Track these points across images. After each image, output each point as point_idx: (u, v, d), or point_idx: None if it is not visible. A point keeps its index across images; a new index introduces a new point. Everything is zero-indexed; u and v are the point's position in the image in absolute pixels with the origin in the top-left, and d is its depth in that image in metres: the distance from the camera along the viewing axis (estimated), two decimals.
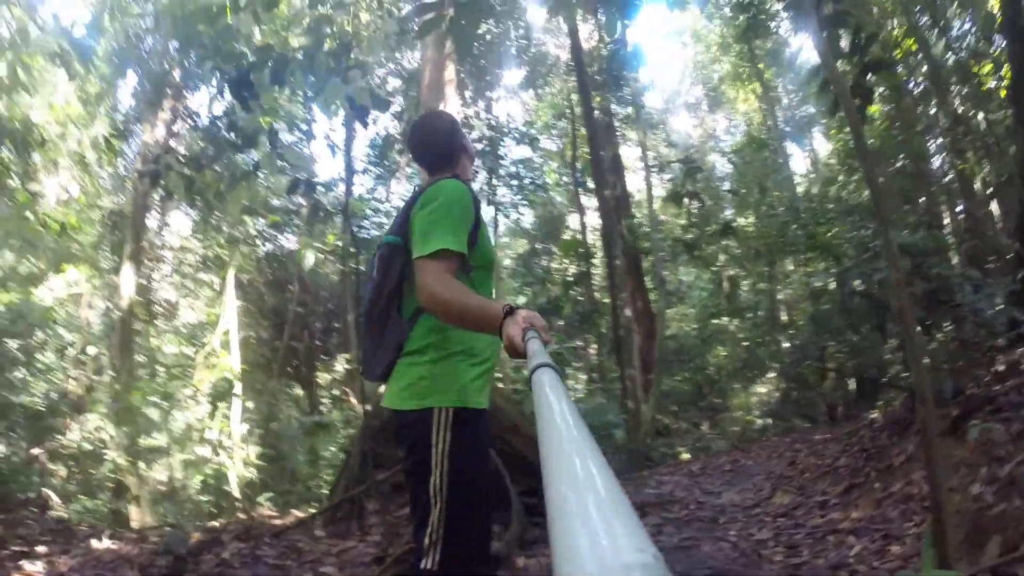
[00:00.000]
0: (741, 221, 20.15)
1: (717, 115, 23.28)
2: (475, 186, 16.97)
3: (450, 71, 6.95)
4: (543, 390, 0.91)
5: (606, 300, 14.84)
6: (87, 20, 8.33)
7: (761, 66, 18.97)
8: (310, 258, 10.22)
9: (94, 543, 5.34)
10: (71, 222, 10.44)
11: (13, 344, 10.14)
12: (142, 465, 9.96)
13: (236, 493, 10.01)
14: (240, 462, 10.39)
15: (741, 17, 15.55)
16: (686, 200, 12.86)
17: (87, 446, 9.70)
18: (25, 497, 7.84)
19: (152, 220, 16.81)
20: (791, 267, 17.37)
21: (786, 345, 14.64)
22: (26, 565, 4.62)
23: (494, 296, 2.33)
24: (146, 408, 10.50)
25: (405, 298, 2.12)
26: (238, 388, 11.01)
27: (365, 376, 2.27)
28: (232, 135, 4.80)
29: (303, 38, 4.80)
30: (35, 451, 8.79)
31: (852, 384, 12.17)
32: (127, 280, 11.41)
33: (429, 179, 2.26)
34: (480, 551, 2.06)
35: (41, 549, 5.09)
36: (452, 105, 6.59)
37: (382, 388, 3.19)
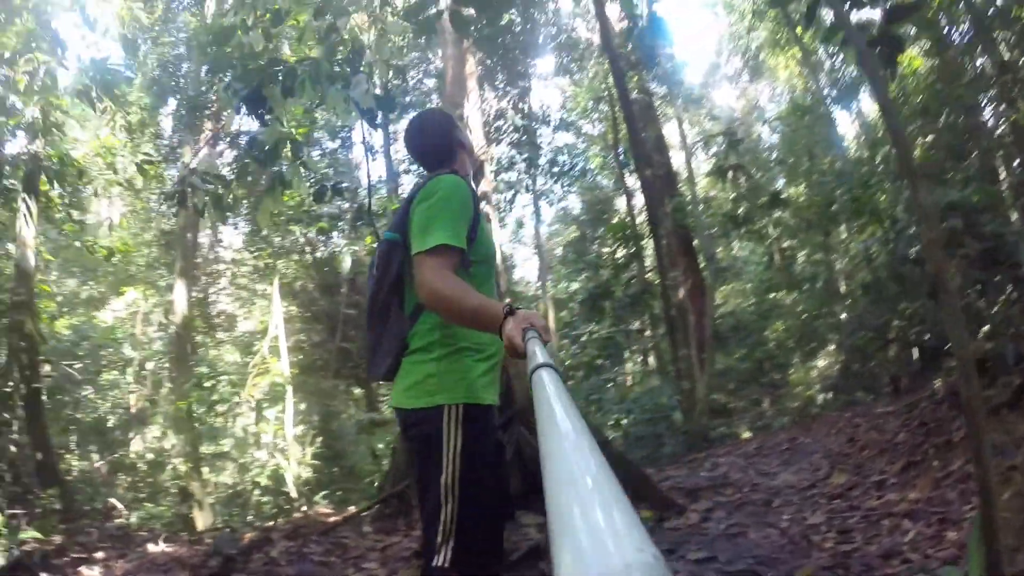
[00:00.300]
0: (792, 192, 19.70)
1: (759, 85, 22.62)
2: (513, 175, 17.10)
3: (470, 64, 6.91)
4: (543, 390, 0.91)
5: (659, 281, 14.64)
6: (118, 55, 8.53)
7: (799, 30, 18.29)
8: (347, 261, 10.34)
9: (150, 547, 5.53)
10: (118, 247, 10.80)
11: (78, 365, 10.70)
12: (204, 470, 10.30)
13: (293, 493, 10.27)
14: (295, 462, 10.64)
15: None
16: (730, 174, 12.56)
17: (149, 455, 10.11)
18: (89, 507, 8.18)
19: (204, 236, 17.38)
20: (845, 235, 16.83)
21: (844, 316, 14.23)
22: (84, 570, 4.80)
23: (496, 290, 2.31)
24: (203, 416, 10.84)
25: (407, 294, 2.11)
26: (289, 392, 11.26)
27: (370, 374, 2.25)
28: (255, 151, 4.87)
29: (316, 49, 4.81)
30: (97, 464, 9.21)
31: (916, 353, 11.74)
32: (180, 296, 11.78)
33: (428, 175, 2.24)
34: (492, 547, 2.04)
35: (99, 555, 5.28)
36: (474, 98, 6.56)
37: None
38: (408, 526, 4.98)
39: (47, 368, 9.74)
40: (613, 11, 17.21)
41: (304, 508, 8.25)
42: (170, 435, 10.31)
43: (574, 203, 22.05)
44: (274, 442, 11.01)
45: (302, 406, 12.28)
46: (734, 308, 20.91)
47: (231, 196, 5.32)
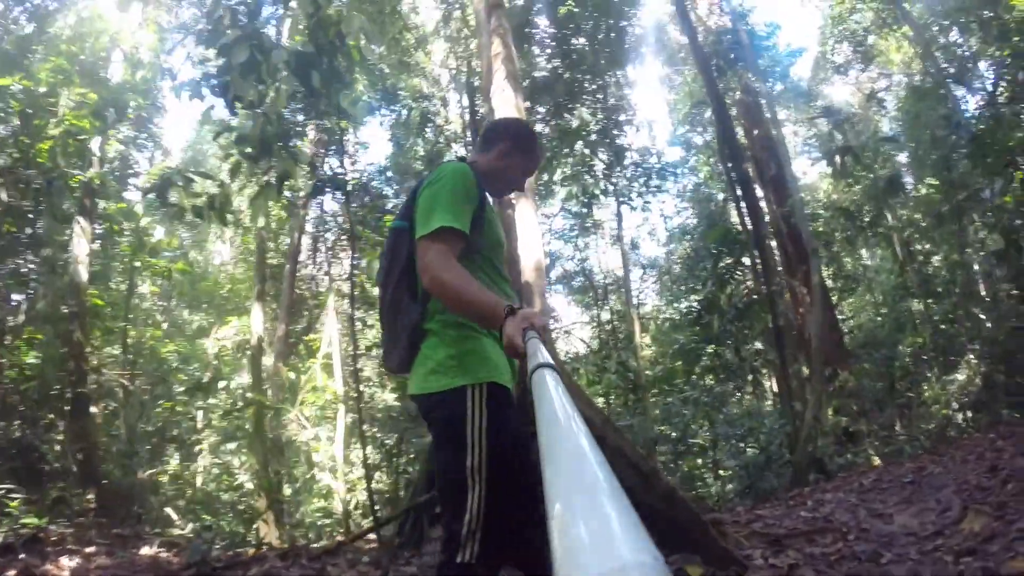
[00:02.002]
0: (918, 187, 17.90)
1: (872, 73, 20.74)
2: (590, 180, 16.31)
3: (500, 57, 6.35)
4: (543, 390, 0.92)
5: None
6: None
7: (907, 5, 16.60)
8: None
9: (144, 550, 5.56)
10: (179, 267, 11.22)
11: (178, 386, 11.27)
12: (270, 489, 10.25)
13: (341, 513, 10.09)
14: (343, 483, 10.39)
15: None
16: (838, 159, 11.25)
17: (215, 470, 10.26)
18: (141, 512, 8.42)
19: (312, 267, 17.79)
20: (982, 228, 14.95)
21: (986, 322, 12.46)
22: (63, 560, 4.80)
23: (509, 281, 2.28)
24: (266, 434, 10.86)
25: (418, 281, 2.04)
26: (341, 410, 11.10)
27: (386, 366, 2.25)
28: (243, 146, 4.54)
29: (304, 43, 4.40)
30: (145, 474, 9.42)
31: None
32: (256, 319, 12.05)
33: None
34: (520, 544, 1.88)
35: (89, 549, 5.30)
36: (509, 97, 5.98)
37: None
38: (413, 552, 4.42)
39: (136, 383, 10.27)
40: (703, 8, 16.36)
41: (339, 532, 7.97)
42: (243, 452, 10.44)
43: (691, 220, 21.16)
44: (326, 462, 10.87)
45: (383, 435, 12.05)
46: (864, 322, 19.36)
47: (224, 197, 5.01)
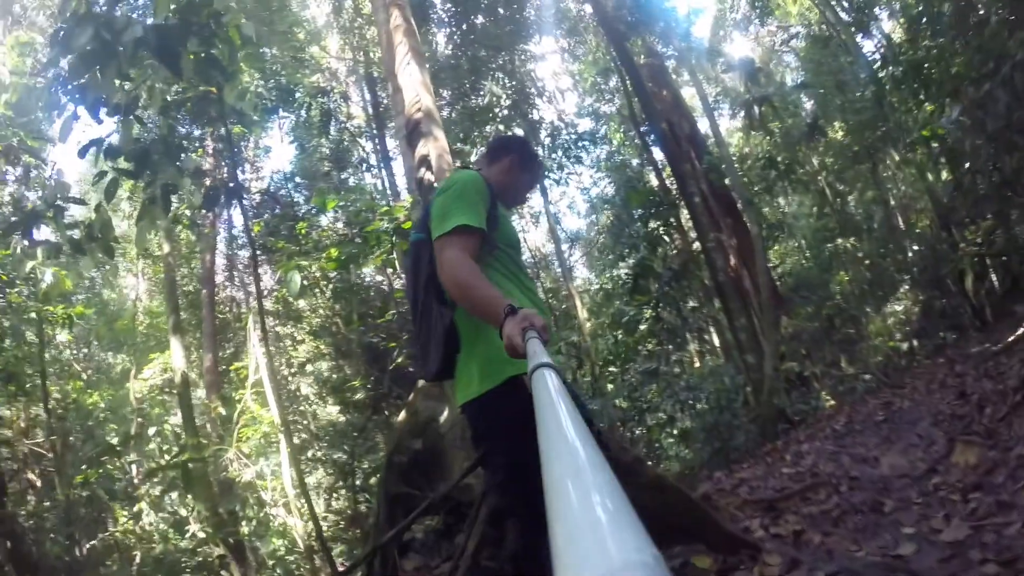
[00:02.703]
0: (829, 132, 18.23)
1: (771, 28, 21.01)
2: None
3: (400, 31, 5.86)
4: (543, 390, 0.92)
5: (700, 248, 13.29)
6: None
7: None
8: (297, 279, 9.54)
9: None
10: (77, 311, 10.30)
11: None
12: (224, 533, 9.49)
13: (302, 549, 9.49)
14: (298, 518, 9.80)
15: None
16: (756, 109, 11.21)
17: (162, 525, 9.49)
18: None
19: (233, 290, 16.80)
20: (893, 165, 15.33)
21: (914, 251, 12.75)
22: None
23: (528, 277, 2.30)
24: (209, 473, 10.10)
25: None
26: (283, 441, 10.51)
27: (425, 377, 2.26)
28: (113, 159, 3.91)
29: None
30: (87, 545, 8.55)
31: (995, 280, 10.25)
32: (176, 353, 11.25)
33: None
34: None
35: None
36: (414, 72, 5.51)
37: None
38: None
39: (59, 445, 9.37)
40: None
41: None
42: (185, 502, 9.66)
43: (608, 189, 21.09)
44: (274, 498, 10.21)
45: (333, 453, 11.41)
46: (792, 267, 19.72)
47: (103, 224, 4.35)
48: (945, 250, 10.91)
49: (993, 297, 10.09)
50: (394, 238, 6.05)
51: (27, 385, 9.64)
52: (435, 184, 5.22)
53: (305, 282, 12.19)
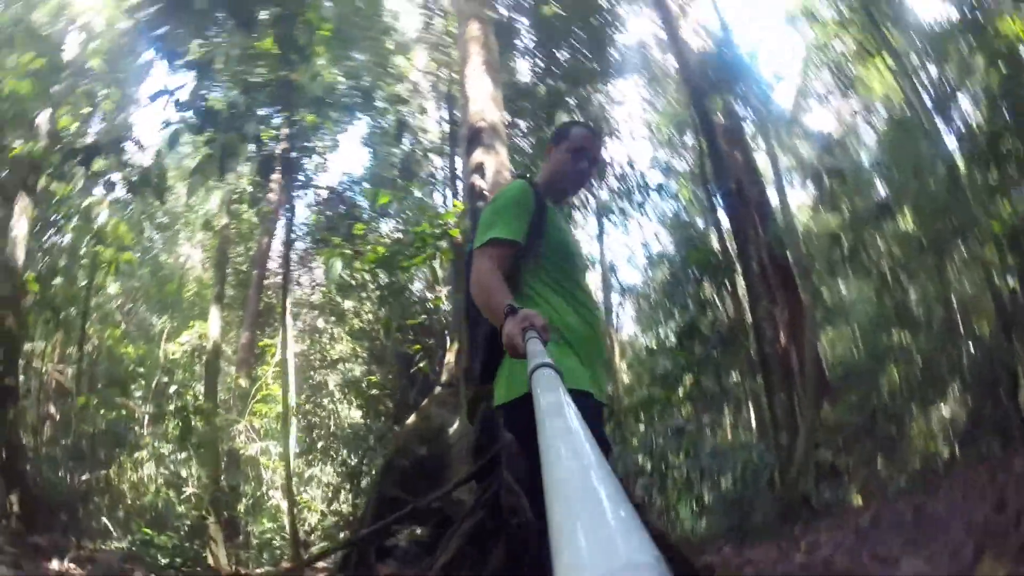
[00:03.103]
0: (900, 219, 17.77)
1: (852, 102, 20.71)
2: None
3: (477, 42, 5.91)
4: (543, 390, 0.93)
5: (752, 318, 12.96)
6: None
7: (888, 33, 16.52)
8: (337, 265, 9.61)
9: (54, 564, 5.19)
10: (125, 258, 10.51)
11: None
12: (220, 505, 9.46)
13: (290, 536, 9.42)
14: (288, 504, 9.74)
15: None
16: (827, 181, 10.98)
17: (160, 480, 9.57)
18: (65, 523, 7.76)
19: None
20: (961, 261, 14.81)
21: (969, 355, 12.22)
22: None
23: (583, 288, 2.30)
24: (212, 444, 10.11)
25: None
26: (293, 425, 10.48)
27: (472, 380, 2.49)
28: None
29: None
30: (81, 479, 8.66)
31: None
32: (213, 322, 11.61)
33: None
34: None
35: None
36: (485, 85, 5.53)
37: None
38: None
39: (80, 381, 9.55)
40: (687, 31, 16.13)
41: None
42: (190, 463, 9.73)
43: (669, 247, 21.00)
44: (273, 480, 10.19)
45: (345, 452, 11.38)
46: (842, 354, 19.16)
47: (161, 170, 4.45)
48: (1003, 358, 10.44)
49: None
50: (442, 242, 6.06)
51: (67, 323, 9.88)
52: (487, 193, 5.21)
53: (352, 282, 12.37)
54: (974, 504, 5.85)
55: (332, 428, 13.37)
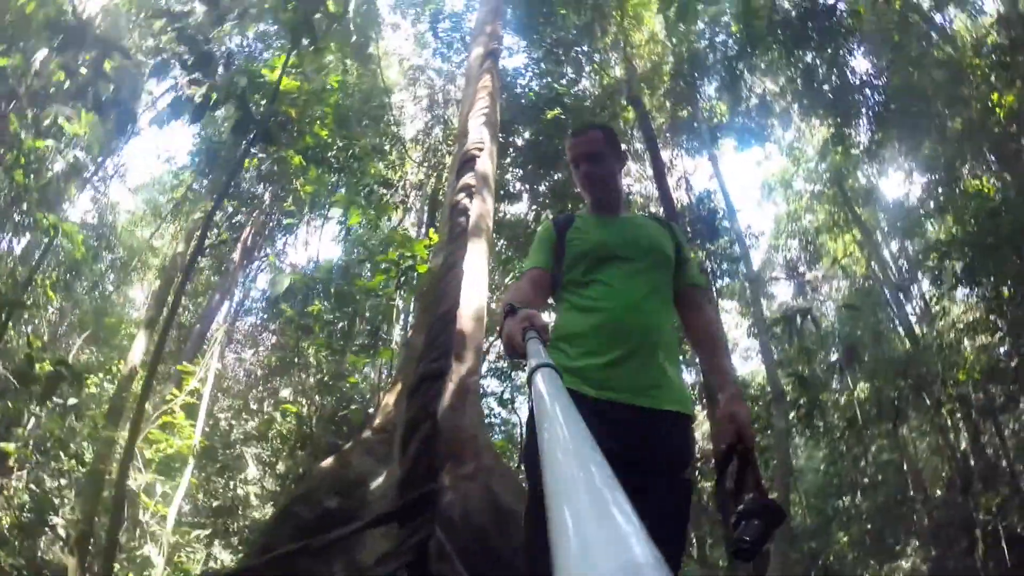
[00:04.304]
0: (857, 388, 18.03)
1: (818, 271, 21.64)
2: None
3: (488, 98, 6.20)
4: (542, 390, 0.92)
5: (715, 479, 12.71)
6: None
7: (859, 210, 17.64)
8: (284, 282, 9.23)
9: None
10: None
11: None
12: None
13: None
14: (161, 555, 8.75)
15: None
16: (799, 320, 11.21)
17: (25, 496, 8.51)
18: None
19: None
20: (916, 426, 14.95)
21: (927, 514, 12.05)
22: None
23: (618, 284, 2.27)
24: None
25: None
26: (190, 465, 9.67)
27: None
28: None
29: None
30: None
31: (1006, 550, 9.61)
32: (137, 347, 11.09)
33: None
34: None
35: None
36: (483, 126, 5.70)
37: None
38: None
39: None
40: (671, 181, 16.92)
41: None
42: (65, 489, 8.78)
43: None
44: (148, 524, 9.15)
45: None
46: (794, 516, 18.82)
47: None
48: (960, 515, 10.37)
49: (1004, 567, 9.43)
50: (403, 278, 5.93)
51: None
52: (469, 214, 5.21)
53: (297, 360, 11.99)
54: None
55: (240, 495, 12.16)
